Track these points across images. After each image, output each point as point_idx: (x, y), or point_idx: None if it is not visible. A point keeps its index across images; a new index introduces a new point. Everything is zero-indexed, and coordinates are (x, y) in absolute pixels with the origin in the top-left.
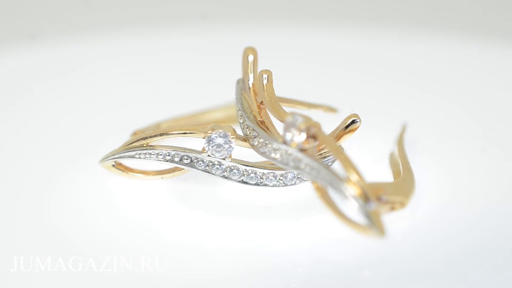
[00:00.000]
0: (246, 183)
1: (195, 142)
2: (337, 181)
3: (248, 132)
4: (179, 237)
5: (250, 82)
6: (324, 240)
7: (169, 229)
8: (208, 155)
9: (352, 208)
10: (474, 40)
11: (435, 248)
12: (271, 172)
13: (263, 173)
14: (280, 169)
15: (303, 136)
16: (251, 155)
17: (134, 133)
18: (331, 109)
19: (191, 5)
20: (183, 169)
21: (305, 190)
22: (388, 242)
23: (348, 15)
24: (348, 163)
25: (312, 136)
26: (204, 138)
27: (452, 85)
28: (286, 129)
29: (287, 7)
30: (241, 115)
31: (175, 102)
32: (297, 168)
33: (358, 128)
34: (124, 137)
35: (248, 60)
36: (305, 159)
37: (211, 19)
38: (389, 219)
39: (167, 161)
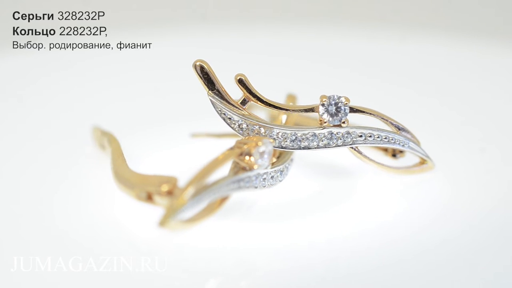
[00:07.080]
0: (271, 185)
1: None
2: (394, 134)
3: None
4: (180, 237)
5: (222, 92)
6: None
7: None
8: (258, 169)
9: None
10: (474, 41)
11: (435, 249)
12: (282, 167)
13: (279, 169)
14: (285, 161)
15: (348, 111)
16: None
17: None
18: None
19: (191, 6)
20: (226, 197)
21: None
22: (388, 243)
23: (348, 15)
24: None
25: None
26: (237, 157)
27: (452, 85)
28: (329, 110)
29: (286, 7)
30: (243, 122)
31: (174, 102)
32: (347, 143)
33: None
34: (124, 136)
35: (205, 73)
36: (358, 130)
37: (210, 20)
38: (389, 219)
39: (233, 191)
